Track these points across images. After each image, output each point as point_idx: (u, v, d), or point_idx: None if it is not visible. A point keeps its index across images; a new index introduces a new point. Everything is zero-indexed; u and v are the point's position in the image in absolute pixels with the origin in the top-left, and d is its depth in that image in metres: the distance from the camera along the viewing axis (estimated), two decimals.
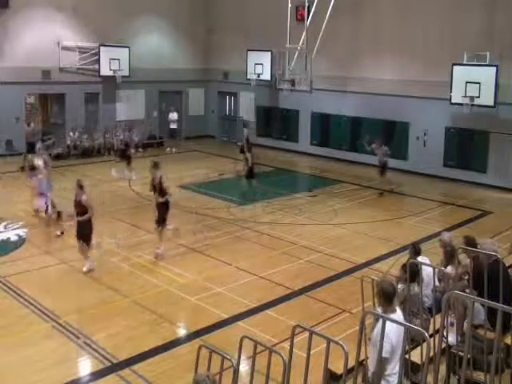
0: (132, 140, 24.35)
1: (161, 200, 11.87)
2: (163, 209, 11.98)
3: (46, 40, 22.36)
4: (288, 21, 18.78)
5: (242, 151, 19.51)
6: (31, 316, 9.31)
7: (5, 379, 7.50)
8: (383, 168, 17.81)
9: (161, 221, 11.97)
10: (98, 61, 23.69)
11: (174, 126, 25.53)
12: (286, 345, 6.79)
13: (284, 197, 17.48)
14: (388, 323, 4.60)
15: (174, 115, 25.37)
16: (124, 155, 20.94)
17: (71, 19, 23.11)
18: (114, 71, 23.94)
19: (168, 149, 24.91)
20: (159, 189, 11.92)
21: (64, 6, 22.69)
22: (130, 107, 25.43)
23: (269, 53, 23.81)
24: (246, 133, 21.76)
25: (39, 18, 22.17)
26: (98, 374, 7.67)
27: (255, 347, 4.75)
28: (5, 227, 13.78)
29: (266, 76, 24.33)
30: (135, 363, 7.88)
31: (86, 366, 7.96)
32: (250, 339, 4.83)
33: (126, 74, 24.23)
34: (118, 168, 20.49)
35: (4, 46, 21.56)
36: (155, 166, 12.11)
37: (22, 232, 13.24)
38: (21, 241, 12.89)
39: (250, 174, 19.06)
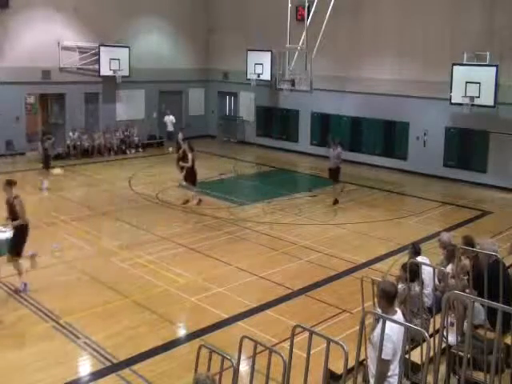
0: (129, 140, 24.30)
1: (15, 224, 9.94)
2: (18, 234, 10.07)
3: (46, 40, 22.33)
4: (288, 21, 18.74)
5: (180, 159, 16.73)
6: (31, 316, 9.31)
7: (5, 379, 7.50)
8: (336, 172, 16.45)
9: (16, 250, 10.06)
10: (98, 61, 23.67)
11: (170, 128, 25.35)
12: (286, 345, 6.80)
13: (284, 197, 17.47)
14: (389, 325, 4.59)
15: (170, 118, 25.16)
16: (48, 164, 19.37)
17: (71, 19, 23.10)
18: (114, 71, 23.92)
19: (170, 148, 24.84)
20: (10, 211, 9.97)
21: (64, 6, 22.67)
22: (129, 107, 25.44)
23: (269, 53, 23.81)
24: (180, 137, 19.88)
25: (39, 18, 22.15)
26: (97, 374, 7.67)
27: (255, 347, 4.76)
28: (4, 227, 13.73)
29: (266, 76, 24.32)
30: (135, 363, 7.88)
31: (85, 366, 7.95)
32: (250, 339, 4.83)
33: (126, 74, 24.21)
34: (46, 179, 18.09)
35: (4, 46, 21.54)
36: (8, 184, 10.04)
37: None
38: None
39: (190, 178, 16.39)
